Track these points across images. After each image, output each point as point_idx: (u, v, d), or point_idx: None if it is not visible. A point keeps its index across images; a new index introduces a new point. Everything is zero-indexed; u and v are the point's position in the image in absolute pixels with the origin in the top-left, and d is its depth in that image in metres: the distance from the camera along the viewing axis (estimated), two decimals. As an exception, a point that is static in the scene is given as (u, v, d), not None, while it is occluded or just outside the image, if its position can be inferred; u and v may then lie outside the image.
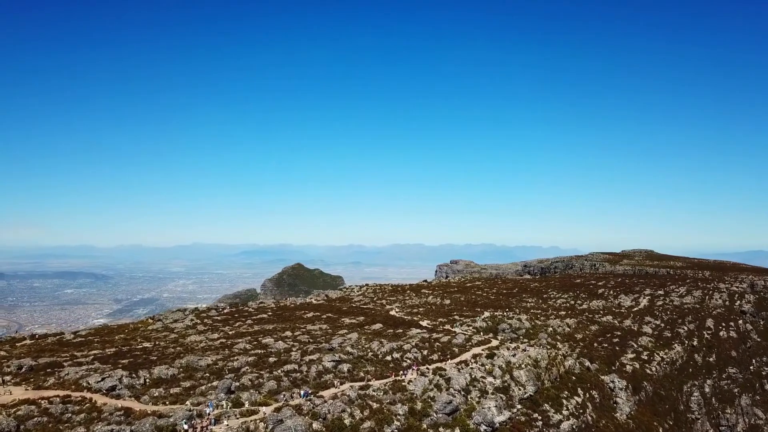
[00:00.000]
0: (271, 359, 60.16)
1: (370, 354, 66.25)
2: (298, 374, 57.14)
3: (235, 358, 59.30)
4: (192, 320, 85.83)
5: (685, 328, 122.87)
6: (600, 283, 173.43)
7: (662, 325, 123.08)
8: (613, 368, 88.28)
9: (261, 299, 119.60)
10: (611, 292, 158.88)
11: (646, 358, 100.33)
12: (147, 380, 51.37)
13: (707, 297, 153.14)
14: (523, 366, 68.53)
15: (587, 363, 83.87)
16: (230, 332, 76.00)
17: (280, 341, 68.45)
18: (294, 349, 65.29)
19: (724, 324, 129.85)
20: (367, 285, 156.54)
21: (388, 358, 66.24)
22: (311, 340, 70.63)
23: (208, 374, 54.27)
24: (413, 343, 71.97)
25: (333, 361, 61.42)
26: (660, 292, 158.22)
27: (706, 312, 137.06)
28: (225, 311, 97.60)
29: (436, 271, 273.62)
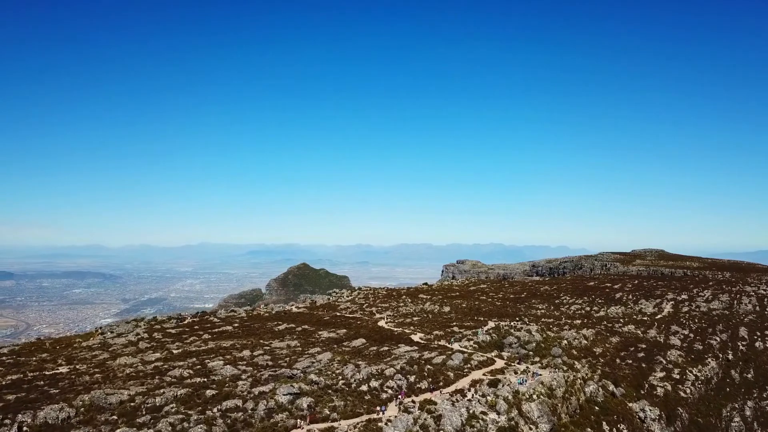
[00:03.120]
0: (209, 392, 46.69)
1: (340, 382, 52.59)
2: (240, 414, 43.64)
3: (162, 390, 45.94)
4: (138, 334, 72.69)
5: (717, 338, 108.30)
6: (616, 286, 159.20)
7: (691, 335, 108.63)
8: (642, 392, 74.03)
9: (231, 309, 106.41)
10: (630, 296, 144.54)
11: (678, 376, 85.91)
12: (24, 428, 38.30)
13: (735, 302, 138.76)
14: (534, 396, 54.63)
15: (611, 387, 69.74)
16: (176, 351, 62.78)
17: (229, 365, 54.98)
18: (244, 376, 51.81)
19: (758, 333, 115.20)
20: (360, 289, 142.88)
21: (364, 387, 52.55)
22: (270, 363, 57.11)
23: (115, 416, 40.98)
24: (398, 366, 58.17)
25: (290, 393, 47.83)
26: (684, 296, 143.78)
27: (737, 319, 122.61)
28: (184, 322, 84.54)
29: (442, 271, 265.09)
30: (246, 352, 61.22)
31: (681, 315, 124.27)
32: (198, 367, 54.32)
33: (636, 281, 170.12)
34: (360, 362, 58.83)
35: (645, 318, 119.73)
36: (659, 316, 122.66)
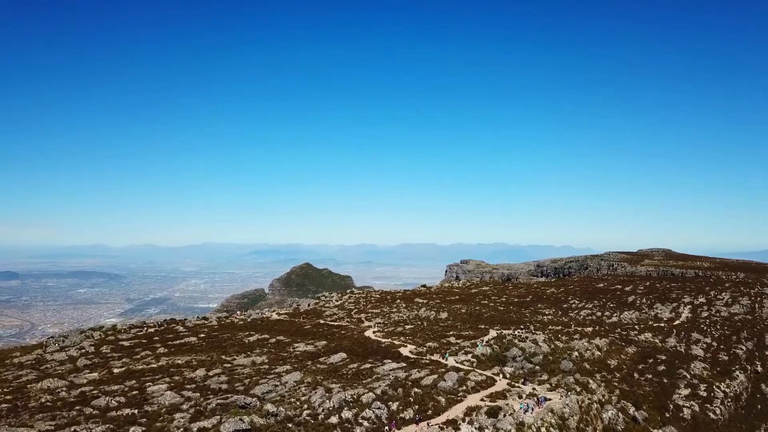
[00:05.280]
0: (135, 429, 37.26)
1: (305, 413, 42.97)
2: (168, 461, 34.19)
3: (74, 428, 36.57)
4: (82, 348, 63.22)
5: (743, 347, 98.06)
6: (627, 288, 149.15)
7: (714, 344, 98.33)
8: (667, 414, 64.05)
9: (202, 316, 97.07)
10: (644, 300, 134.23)
11: (704, 394, 75.72)
12: None
13: (756, 305, 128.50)
14: (543, 429, 44.85)
15: (632, 410, 59.88)
16: (117, 370, 53.36)
17: (173, 390, 45.50)
18: (186, 405, 42.29)
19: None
20: (352, 292, 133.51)
21: (334, 419, 42.90)
22: (225, 387, 47.55)
23: (-1, 468, 31.76)
24: (379, 390, 48.50)
25: (238, 430, 38.32)
26: (701, 299, 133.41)
27: (761, 325, 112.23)
28: (142, 332, 74.97)
29: (446, 271, 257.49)
30: (200, 372, 51.69)
31: (701, 321, 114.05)
32: (134, 392, 44.84)
33: (647, 283, 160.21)
34: (333, 385, 49.16)
35: (662, 324, 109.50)
36: (677, 322, 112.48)
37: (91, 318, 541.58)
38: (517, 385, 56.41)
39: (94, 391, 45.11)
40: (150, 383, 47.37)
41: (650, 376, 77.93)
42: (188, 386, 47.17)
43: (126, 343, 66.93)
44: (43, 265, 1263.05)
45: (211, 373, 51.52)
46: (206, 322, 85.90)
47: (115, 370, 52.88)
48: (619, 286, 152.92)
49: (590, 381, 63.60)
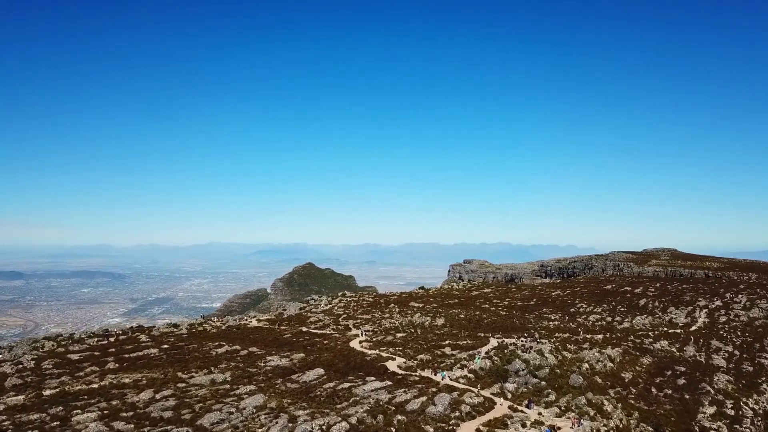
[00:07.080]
0: (36, 478, 29.53)
1: (259, 450, 35.09)
2: None
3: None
4: (20, 363, 55.37)
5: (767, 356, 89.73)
6: (637, 290, 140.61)
7: (737, 353, 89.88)
8: (693, 439, 55.86)
9: (171, 324, 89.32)
10: (656, 303, 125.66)
11: (732, 411, 67.38)
12: None
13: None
14: (549, 469, 36.78)
15: (653, 435, 51.71)
16: (49, 391, 45.48)
17: (102, 420, 37.58)
18: (112, 442, 34.57)
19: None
20: (344, 294, 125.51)
21: (294, 458, 35.04)
22: (168, 415, 39.70)
23: None
24: (355, 419, 40.53)
25: (168, 477, 30.42)
26: (717, 302, 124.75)
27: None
28: (96, 343, 67.12)
29: (449, 271, 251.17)
30: (145, 395, 43.82)
31: (719, 326, 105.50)
32: (55, 423, 37.04)
33: (657, 284, 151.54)
34: (300, 411, 41.18)
35: (678, 331, 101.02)
36: (694, 328, 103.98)
37: (95, 318, 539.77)
38: (520, 408, 48.32)
39: (7, 422, 37.40)
40: (79, 411, 39.55)
41: (670, 392, 69.61)
42: (124, 414, 39.32)
43: (75, 357, 58.97)
44: (47, 265, 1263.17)
45: (158, 396, 43.67)
46: (175, 330, 77.84)
47: (47, 392, 45.05)
48: (629, 288, 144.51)
49: (605, 401, 55.44)
